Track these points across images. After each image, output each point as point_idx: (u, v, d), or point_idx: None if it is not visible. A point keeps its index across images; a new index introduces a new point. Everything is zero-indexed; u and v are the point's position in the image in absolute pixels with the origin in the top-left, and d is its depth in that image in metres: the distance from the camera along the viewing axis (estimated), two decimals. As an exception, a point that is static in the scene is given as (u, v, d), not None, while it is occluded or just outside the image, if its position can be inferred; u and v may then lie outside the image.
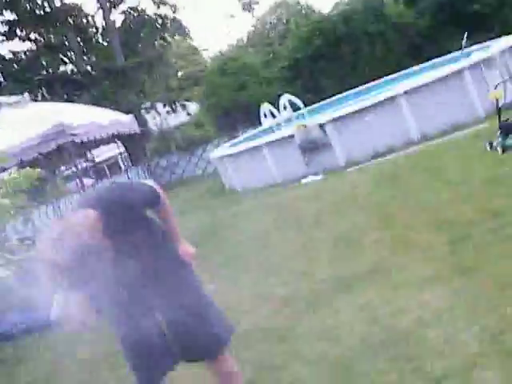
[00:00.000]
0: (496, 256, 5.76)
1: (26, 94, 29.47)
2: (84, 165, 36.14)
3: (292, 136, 15.28)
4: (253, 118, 22.57)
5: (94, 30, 33.72)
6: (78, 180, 31.48)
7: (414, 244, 6.99)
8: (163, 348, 3.85)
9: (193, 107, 33.73)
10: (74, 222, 3.30)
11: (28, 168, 9.63)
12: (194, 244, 5.71)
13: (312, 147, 14.76)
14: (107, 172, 33.37)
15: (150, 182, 4.04)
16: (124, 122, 13.69)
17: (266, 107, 19.63)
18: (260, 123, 20.59)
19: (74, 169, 32.98)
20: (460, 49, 17.89)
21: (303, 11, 32.14)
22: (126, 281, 3.64)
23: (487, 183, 8.17)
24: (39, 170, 9.76)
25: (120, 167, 33.46)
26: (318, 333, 5.61)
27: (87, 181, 32.88)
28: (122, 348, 3.98)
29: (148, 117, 33.44)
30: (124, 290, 3.70)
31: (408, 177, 10.49)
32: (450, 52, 19.61)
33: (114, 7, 32.70)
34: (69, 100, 25.34)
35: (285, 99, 19.24)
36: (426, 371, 4.33)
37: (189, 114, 33.23)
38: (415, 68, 20.71)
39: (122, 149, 26.38)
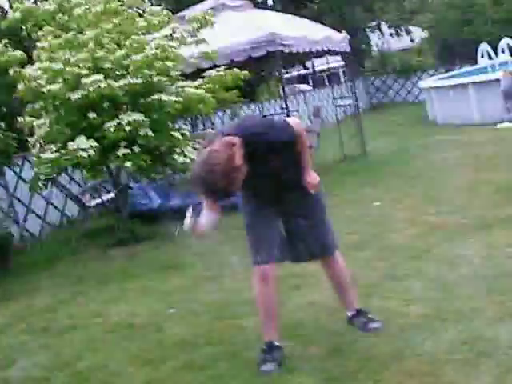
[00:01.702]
0: None
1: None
2: (303, 72, 37.32)
3: (498, 80, 15.46)
4: (471, 55, 22.56)
5: None
6: (293, 85, 32.66)
7: None
8: (280, 241, 4.75)
9: (417, 33, 33.60)
10: (221, 143, 4.21)
11: (235, 69, 10.61)
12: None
13: (514, 94, 14.90)
14: (326, 81, 34.17)
15: (291, 119, 4.80)
16: (336, 40, 14.31)
17: (484, 47, 19.69)
18: (476, 61, 20.68)
19: (292, 74, 34.09)
20: None
21: None
22: (259, 185, 4.53)
23: None
24: (246, 71, 10.74)
25: (339, 79, 34.17)
26: (445, 258, 6.27)
27: (304, 86, 34.03)
28: (249, 235, 4.79)
29: (372, 36, 33.73)
30: (257, 190, 4.62)
31: None
32: None
33: None
34: (295, 8, 26.09)
35: (504, 42, 19.20)
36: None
37: (412, 40, 33.21)
38: None
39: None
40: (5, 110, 14.26)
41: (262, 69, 16.31)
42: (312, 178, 4.65)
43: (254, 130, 4.35)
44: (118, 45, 9.99)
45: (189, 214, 4.31)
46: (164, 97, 9.30)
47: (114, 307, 6.88)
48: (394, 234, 7.58)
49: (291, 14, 16.71)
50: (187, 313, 6.14)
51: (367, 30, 33.46)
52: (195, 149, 9.60)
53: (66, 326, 6.57)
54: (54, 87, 9.14)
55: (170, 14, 11.20)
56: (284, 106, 12.31)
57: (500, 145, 12.37)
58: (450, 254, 6.38)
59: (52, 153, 9.32)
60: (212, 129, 13.45)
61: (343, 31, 15.25)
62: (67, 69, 9.27)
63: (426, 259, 6.40)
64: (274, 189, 4.63)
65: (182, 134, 9.80)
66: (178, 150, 9.63)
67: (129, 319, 6.34)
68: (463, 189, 9.15)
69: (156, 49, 9.39)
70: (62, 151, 9.16)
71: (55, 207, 13.06)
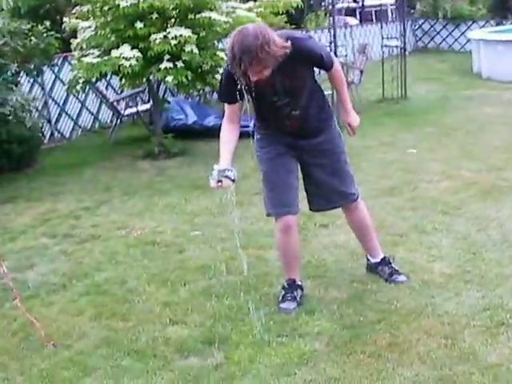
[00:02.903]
0: None
1: None
2: (353, 5, 36.66)
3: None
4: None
5: None
6: (340, 17, 32.12)
7: None
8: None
9: (474, -19, 32.79)
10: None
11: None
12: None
13: None
14: (373, 17, 33.60)
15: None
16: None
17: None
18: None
19: (339, 6, 33.50)
20: None
21: None
22: (280, 125, 4.48)
23: None
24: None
25: (387, 17, 33.55)
26: (475, 217, 6.19)
27: (351, 20, 33.50)
28: (265, 183, 4.68)
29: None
30: (277, 132, 4.54)
31: None
32: None
33: None
34: None
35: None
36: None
37: (467, -14, 32.45)
38: None
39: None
40: (49, 6, 14.17)
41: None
42: (354, 119, 4.61)
43: (297, 35, 4.37)
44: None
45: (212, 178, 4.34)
46: (214, 15, 9.15)
47: (139, 221, 6.91)
48: (427, 184, 7.49)
49: None
50: (211, 237, 6.13)
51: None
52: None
53: (88, 234, 6.62)
54: (104, -8, 9.04)
55: None
56: (332, 38, 12.06)
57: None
58: (481, 213, 6.31)
59: (94, 57, 9.25)
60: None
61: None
62: (119, -26, 9.14)
63: (456, 215, 6.32)
64: (294, 133, 4.51)
65: (227, 55, 9.66)
66: (220, 70, 9.50)
67: (152, 236, 6.37)
68: (500, 148, 8.97)
69: (211, -35, 9.22)
70: (105, 57, 9.09)
71: (89, 111, 13.05)
